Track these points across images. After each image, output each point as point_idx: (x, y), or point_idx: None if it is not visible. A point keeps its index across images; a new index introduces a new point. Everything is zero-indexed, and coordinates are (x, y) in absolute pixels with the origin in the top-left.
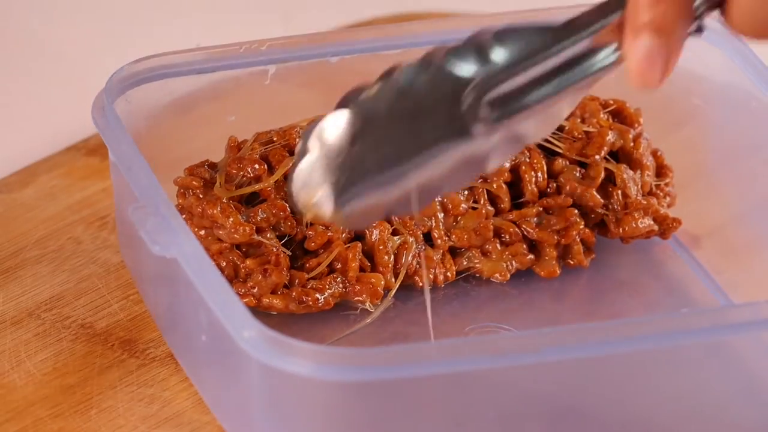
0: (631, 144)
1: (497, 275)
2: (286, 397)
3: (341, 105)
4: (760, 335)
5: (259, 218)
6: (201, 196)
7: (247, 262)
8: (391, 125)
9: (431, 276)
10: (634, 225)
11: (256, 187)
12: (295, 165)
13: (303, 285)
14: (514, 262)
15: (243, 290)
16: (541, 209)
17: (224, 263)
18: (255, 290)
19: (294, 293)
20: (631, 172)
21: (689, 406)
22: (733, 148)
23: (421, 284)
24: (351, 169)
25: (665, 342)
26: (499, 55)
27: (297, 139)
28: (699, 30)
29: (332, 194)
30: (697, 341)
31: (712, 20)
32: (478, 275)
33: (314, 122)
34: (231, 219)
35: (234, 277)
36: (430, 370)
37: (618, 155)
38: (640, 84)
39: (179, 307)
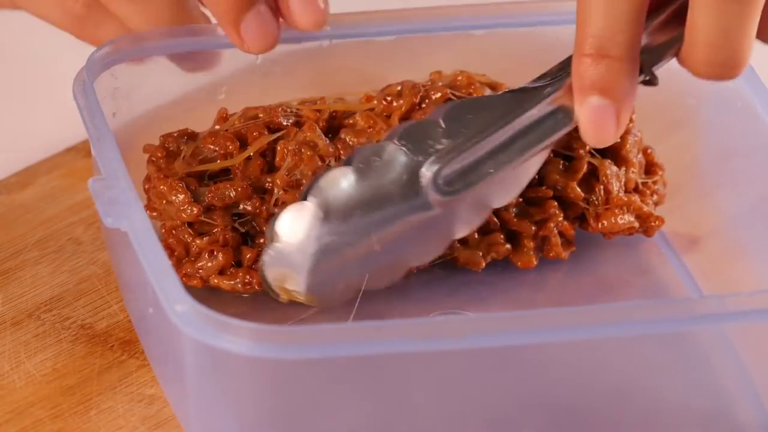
0: (619, 139)
1: (472, 264)
2: (217, 374)
3: (306, 190)
4: (723, 328)
5: (220, 196)
6: (163, 166)
7: (197, 242)
8: (353, 208)
9: None
10: (614, 221)
11: (218, 164)
12: (264, 252)
13: (250, 265)
14: (491, 251)
15: (190, 270)
16: (521, 200)
17: (174, 241)
18: (201, 272)
19: (240, 274)
20: (615, 168)
21: (648, 396)
22: (727, 150)
23: None
24: (317, 255)
25: (621, 331)
26: (453, 129)
27: (280, 118)
28: (650, 82)
29: (302, 279)
30: (656, 332)
31: None
32: (453, 262)
33: (279, 212)
34: (181, 197)
35: (185, 256)
36: (357, 350)
37: (604, 151)
38: (595, 143)
39: (133, 281)
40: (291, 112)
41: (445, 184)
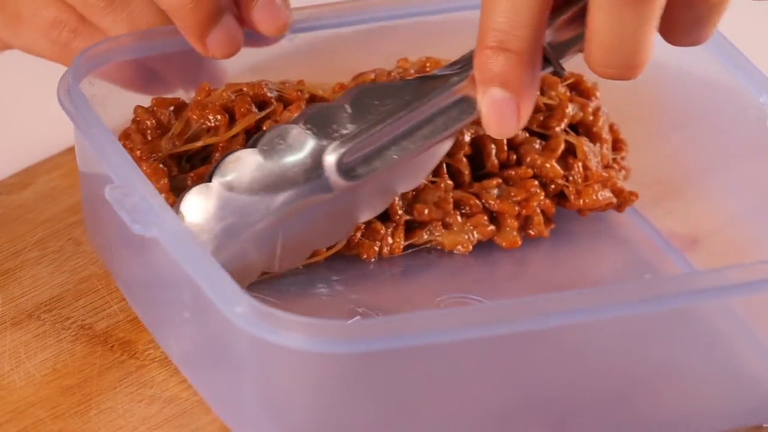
0: (591, 117)
1: (459, 247)
2: (278, 371)
3: (211, 172)
4: (727, 301)
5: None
6: (149, 138)
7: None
8: (257, 190)
9: (375, 248)
10: (594, 197)
11: (204, 142)
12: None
13: None
14: (475, 233)
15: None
16: (500, 181)
17: None
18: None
19: None
20: (591, 145)
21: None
22: (727, 151)
23: (364, 256)
24: (220, 235)
25: (639, 309)
26: (358, 114)
27: (265, 90)
28: (557, 73)
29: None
30: (666, 308)
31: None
32: (439, 248)
33: (182, 194)
34: (160, 182)
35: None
36: (423, 340)
37: (577, 128)
38: (497, 134)
39: (159, 288)
40: (274, 89)
41: (349, 169)
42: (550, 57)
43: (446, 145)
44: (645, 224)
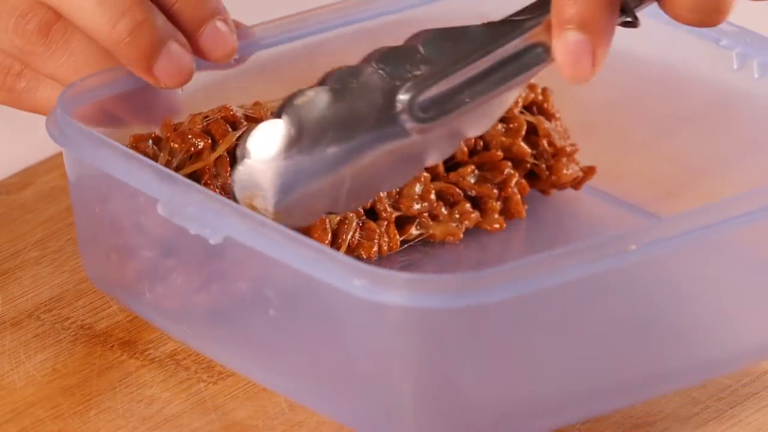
0: (541, 96)
1: (450, 237)
2: (422, 333)
3: (280, 109)
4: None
5: None
6: None
7: (168, 262)
8: (326, 129)
9: (375, 247)
10: (564, 172)
11: (196, 166)
12: (234, 168)
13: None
14: (463, 220)
15: (165, 291)
16: (474, 168)
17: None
18: (179, 291)
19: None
20: (548, 122)
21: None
22: (728, 151)
23: (365, 256)
24: (287, 173)
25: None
26: (432, 56)
27: (233, 112)
28: (632, 23)
29: (271, 197)
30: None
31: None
32: (432, 240)
33: (249, 128)
34: None
35: (154, 275)
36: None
37: (530, 109)
38: (571, 79)
39: (227, 299)
40: (239, 110)
41: (421, 111)
42: (627, 4)
43: (515, 93)
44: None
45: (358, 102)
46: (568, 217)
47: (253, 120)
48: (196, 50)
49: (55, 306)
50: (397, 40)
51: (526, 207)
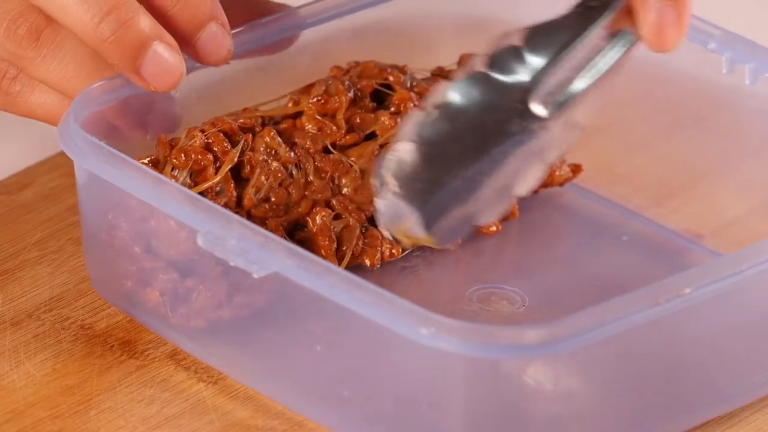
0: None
1: (484, 230)
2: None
3: (402, 134)
4: None
5: None
6: None
7: (186, 282)
8: (456, 142)
9: (378, 255)
10: (557, 174)
11: (204, 186)
12: (377, 201)
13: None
14: None
15: (187, 311)
16: None
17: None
18: (199, 311)
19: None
20: None
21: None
22: (729, 151)
23: (369, 263)
24: (430, 192)
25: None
26: (535, 53)
27: (231, 124)
28: None
29: (420, 220)
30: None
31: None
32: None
33: (381, 157)
34: None
35: (175, 299)
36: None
37: None
38: (658, 49)
39: (273, 332)
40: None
41: (541, 107)
42: None
43: (611, 83)
44: (642, 219)
45: (480, 110)
46: (558, 215)
47: (247, 130)
48: (194, 55)
49: (55, 306)
50: (394, 37)
51: (517, 205)
